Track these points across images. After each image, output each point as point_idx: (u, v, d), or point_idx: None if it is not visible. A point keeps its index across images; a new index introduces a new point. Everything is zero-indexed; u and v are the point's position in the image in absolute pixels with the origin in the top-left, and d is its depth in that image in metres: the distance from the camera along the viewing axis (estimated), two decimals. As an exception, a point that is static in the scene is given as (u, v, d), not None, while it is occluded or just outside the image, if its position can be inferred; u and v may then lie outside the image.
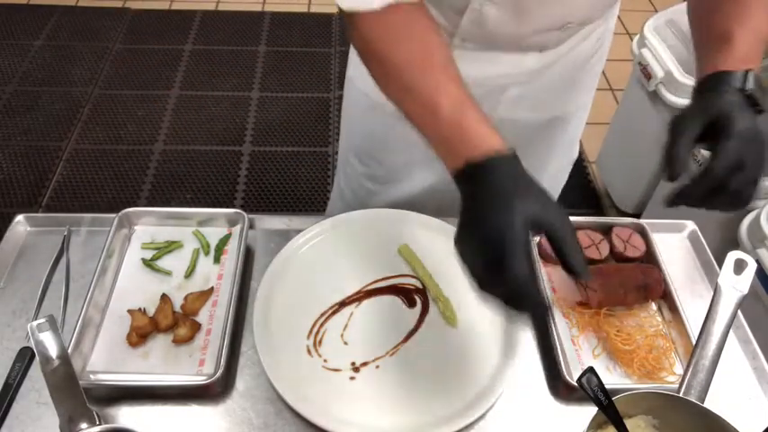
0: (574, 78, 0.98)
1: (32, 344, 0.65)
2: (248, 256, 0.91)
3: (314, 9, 3.23)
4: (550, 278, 0.89)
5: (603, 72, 1.05)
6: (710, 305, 0.69)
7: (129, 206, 0.93)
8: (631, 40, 1.92)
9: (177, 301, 0.83)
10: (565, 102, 1.02)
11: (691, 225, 1.00)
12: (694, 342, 0.69)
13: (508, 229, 0.56)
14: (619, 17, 1.00)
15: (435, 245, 0.91)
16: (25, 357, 0.77)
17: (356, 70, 1.01)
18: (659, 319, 0.86)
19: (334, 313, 0.83)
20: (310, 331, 0.81)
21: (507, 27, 0.81)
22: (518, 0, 0.77)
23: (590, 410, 0.62)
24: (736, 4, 0.75)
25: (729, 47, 0.72)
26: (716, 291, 0.70)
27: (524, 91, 0.94)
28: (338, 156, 1.17)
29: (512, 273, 0.55)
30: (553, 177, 1.15)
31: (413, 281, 0.88)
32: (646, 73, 1.86)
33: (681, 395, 0.64)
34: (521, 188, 0.59)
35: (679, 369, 0.80)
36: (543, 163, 1.10)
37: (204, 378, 0.74)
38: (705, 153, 0.74)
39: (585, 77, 1.02)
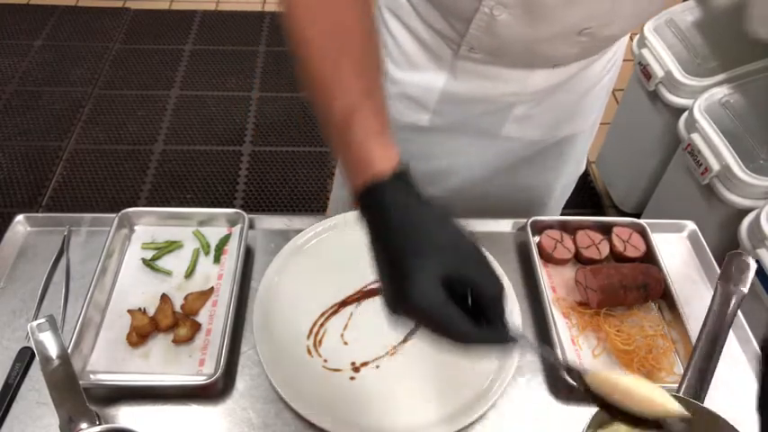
0: (585, 99, 0.95)
1: (32, 344, 0.65)
2: (248, 256, 0.91)
3: (314, 9, 3.22)
4: (550, 278, 0.90)
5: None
6: (710, 305, 0.69)
7: (129, 206, 0.93)
8: (631, 40, 1.92)
9: (177, 301, 0.83)
10: (575, 122, 0.99)
11: (691, 225, 1.00)
12: (694, 342, 0.69)
13: (418, 306, 0.48)
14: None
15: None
16: (25, 357, 0.77)
17: None
18: (659, 319, 0.86)
19: (334, 313, 0.83)
20: (310, 331, 0.81)
21: (519, 33, 0.76)
22: (532, 1, 0.70)
23: (590, 410, 0.62)
24: None
25: None
26: (716, 291, 0.70)
27: (532, 110, 0.92)
28: None
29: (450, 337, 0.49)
30: (561, 192, 1.12)
31: (413, 281, 0.87)
32: (646, 73, 1.86)
33: (681, 395, 0.64)
34: (425, 236, 0.50)
35: (679, 369, 0.80)
36: (551, 181, 1.07)
37: (204, 378, 0.74)
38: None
39: (597, 98, 0.98)
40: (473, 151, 0.98)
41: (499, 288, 0.51)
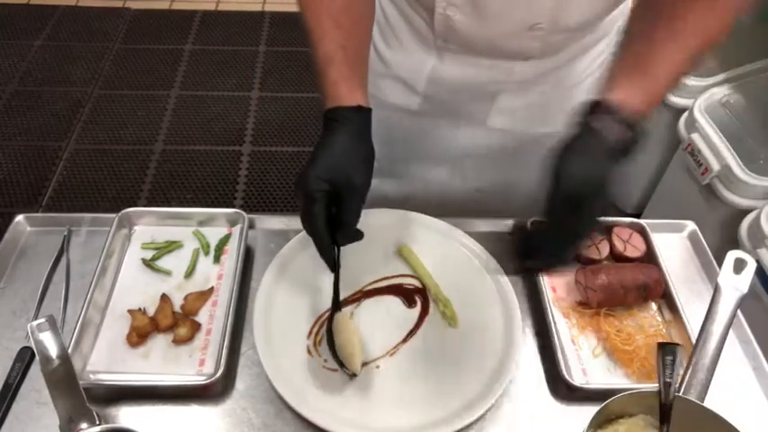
0: (571, 95, 0.95)
1: (32, 344, 0.65)
2: (248, 256, 0.91)
3: (314, 9, 3.23)
4: (550, 278, 0.89)
5: (604, 72, 1.03)
6: (710, 305, 0.69)
7: (129, 206, 0.93)
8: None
9: (177, 301, 0.83)
10: (563, 118, 0.99)
11: (691, 225, 1.00)
12: (694, 342, 0.69)
13: (305, 185, 0.68)
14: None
15: (435, 245, 0.91)
16: (25, 357, 0.77)
17: None
18: (659, 319, 0.86)
19: (334, 313, 0.83)
20: (310, 331, 0.81)
21: (475, 30, 0.81)
22: (476, 1, 0.77)
23: (590, 410, 0.62)
24: (668, 26, 0.70)
25: (632, 79, 0.69)
26: (716, 290, 0.70)
27: (516, 101, 0.93)
28: None
29: (305, 223, 0.70)
30: None
31: (413, 281, 0.88)
32: (646, 73, 1.86)
33: (681, 395, 0.64)
34: (329, 147, 0.69)
35: (679, 369, 0.79)
36: (542, 181, 1.07)
37: (204, 378, 0.74)
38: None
39: (584, 94, 0.94)
40: (461, 138, 1.00)
41: (351, 221, 0.70)
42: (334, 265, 0.74)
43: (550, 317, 0.81)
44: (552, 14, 0.77)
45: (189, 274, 0.87)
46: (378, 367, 0.78)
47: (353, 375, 0.75)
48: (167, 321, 0.79)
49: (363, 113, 0.72)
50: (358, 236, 0.73)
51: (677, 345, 0.64)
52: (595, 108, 0.68)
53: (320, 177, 0.68)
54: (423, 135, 1.01)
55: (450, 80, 0.92)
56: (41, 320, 0.66)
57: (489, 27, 0.80)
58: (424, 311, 0.84)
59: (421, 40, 0.90)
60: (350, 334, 0.74)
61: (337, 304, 0.77)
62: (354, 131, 0.71)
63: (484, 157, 1.01)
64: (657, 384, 0.62)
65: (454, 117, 0.97)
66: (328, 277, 0.86)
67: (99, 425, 0.65)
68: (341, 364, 0.73)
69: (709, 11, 0.70)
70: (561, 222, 0.68)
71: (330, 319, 0.76)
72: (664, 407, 0.61)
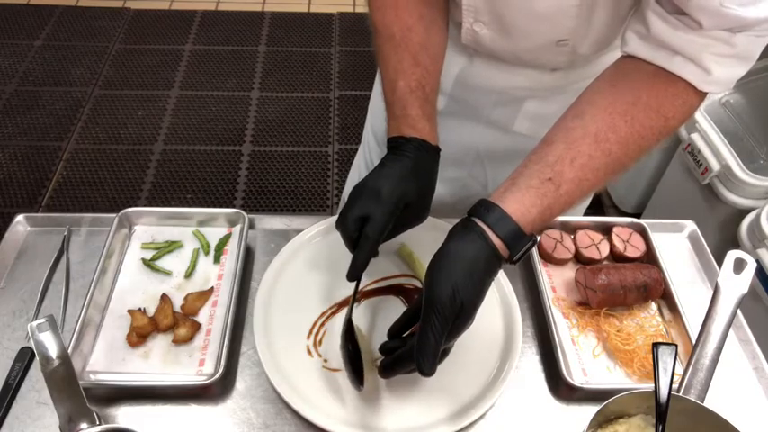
0: None
1: (32, 344, 0.65)
2: (248, 256, 0.91)
3: (314, 9, 3.23)
4: (550, 278, 0.90)
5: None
6: (710, 305, 0.69)
7: (129, 206, 0.93)
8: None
9: (177, 301, 0.83)
10: None
11: (691, 225, 1.00)
12: (694, 342, 0.69)
13: (352, 195, 0.70)
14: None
15: (435, 245, 0.91)
16: (25, 357, 0.77)
17: None
18: (659, 319, 0.86)
19: (334, 313, 0.83)
20: (310, 331, 0.81)
21: (502, 45, 0.82)
22: (502, 17, 0.77)
23: (590, 410, 0.62)
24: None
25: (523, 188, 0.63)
26: (716, 290, 0.70)
27: (544, 108, 0.93)
28: (361, 139, 1.18)
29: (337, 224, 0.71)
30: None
31: (413, 281, 0.88)
32: (646, 73, 1.86)
33: (681, 395, 0.64)
34: (391, 168, 0.71)
35: (679, 369, 0.79)
36: None
37: (204, 378, 0.74)
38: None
39: None
40: (484, 142, 0.99)
41: (369, 246, 0.70)
42: (353, 275, 0.72)
43: (550, 317, 0.81)
44: (577, 31, 0.77)
45: (189, 274, 0.87)
46: (378, 367, 0.78)
47: (360, 387, 0.73)
48: (167, 321, 0.79)
49: (438, 154, 0.75)
50: (372, 253, 0.71)
51: (672, 344, 0.64)
52: (482, 211, 0.64)
53: (354, 207, 0.69)
54: (445, 135, 1.00)
55: (479, 83, 0.92)
56: (41, 320, 0.66)
57: (516, 42, 0.81)
58: (424, 311, 0.84)
59: (451, 41, 0.89)
60: (363, 346, 0.73)
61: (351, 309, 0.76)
62: (422, 165, 0.72)
63: (504, 161, 1.01)
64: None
65: (479, 119, 0.97)
66: (328, 278, 0.87)
67: (99, 425, 0.65)
68: (355, 375, 0.71)
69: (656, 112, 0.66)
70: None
71: (348, 330, 0.74)
72: (659, 406, 0.61)
